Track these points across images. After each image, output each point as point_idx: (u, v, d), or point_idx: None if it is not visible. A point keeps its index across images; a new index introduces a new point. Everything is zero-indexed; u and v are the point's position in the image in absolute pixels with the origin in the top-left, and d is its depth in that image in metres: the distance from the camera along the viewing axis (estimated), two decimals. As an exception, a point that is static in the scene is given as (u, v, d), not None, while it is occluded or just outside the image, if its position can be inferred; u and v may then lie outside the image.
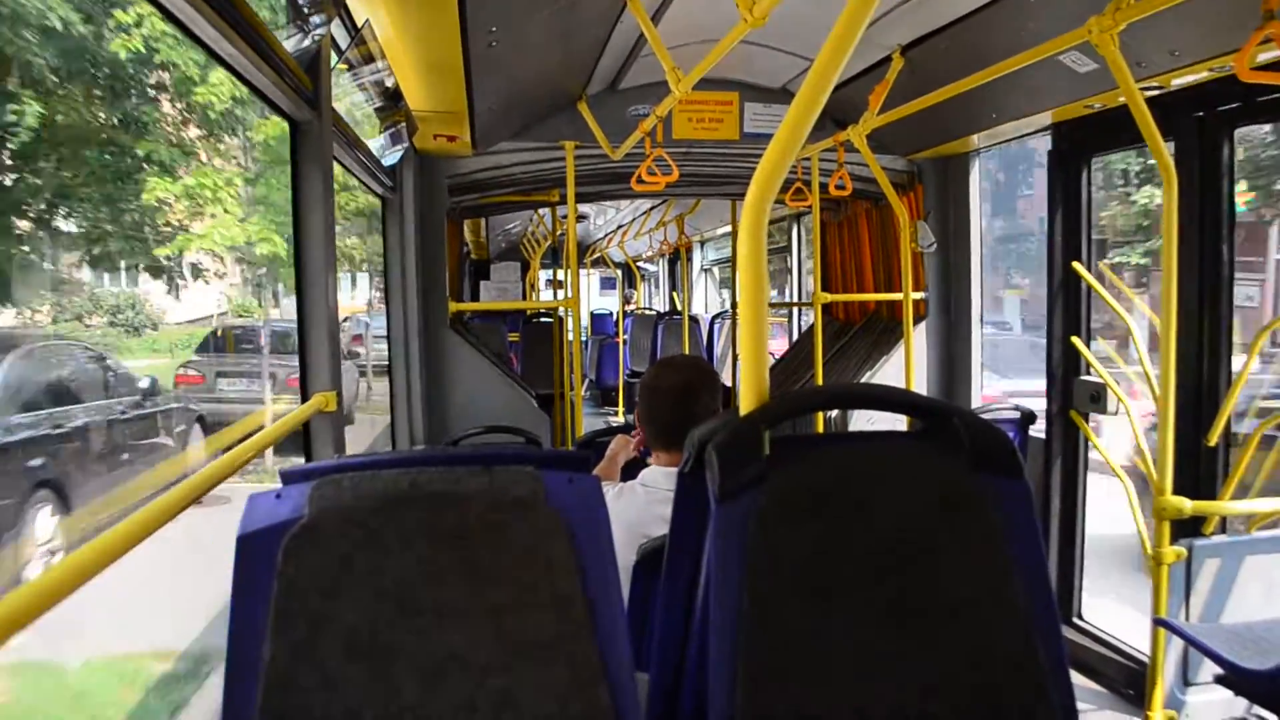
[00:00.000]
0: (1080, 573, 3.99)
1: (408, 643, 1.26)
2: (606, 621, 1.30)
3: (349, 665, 1.24)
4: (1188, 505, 2.78)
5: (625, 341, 10.99)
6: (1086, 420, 3.87)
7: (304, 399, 2.59)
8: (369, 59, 3.19)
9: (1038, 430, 3.99)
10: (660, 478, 2.32)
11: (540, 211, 8.15)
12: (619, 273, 14.41)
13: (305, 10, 2.48)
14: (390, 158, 3.83)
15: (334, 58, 2.85)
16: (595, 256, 14.82)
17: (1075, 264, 3.83)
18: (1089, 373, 3.86)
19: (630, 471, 2.86)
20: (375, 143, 3.71)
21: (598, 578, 1.32)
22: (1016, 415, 3.92)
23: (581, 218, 10.25)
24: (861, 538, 1.33)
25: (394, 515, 1.29)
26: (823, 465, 1.37)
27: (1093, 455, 3.95)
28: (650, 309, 14.33)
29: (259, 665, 1.22)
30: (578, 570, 1.31)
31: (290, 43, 2.41)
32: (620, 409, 10.54)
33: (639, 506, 2.27)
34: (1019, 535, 1.37)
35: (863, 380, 5.04)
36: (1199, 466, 3.26)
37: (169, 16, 1.76)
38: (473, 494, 1.31)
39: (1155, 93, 3.18)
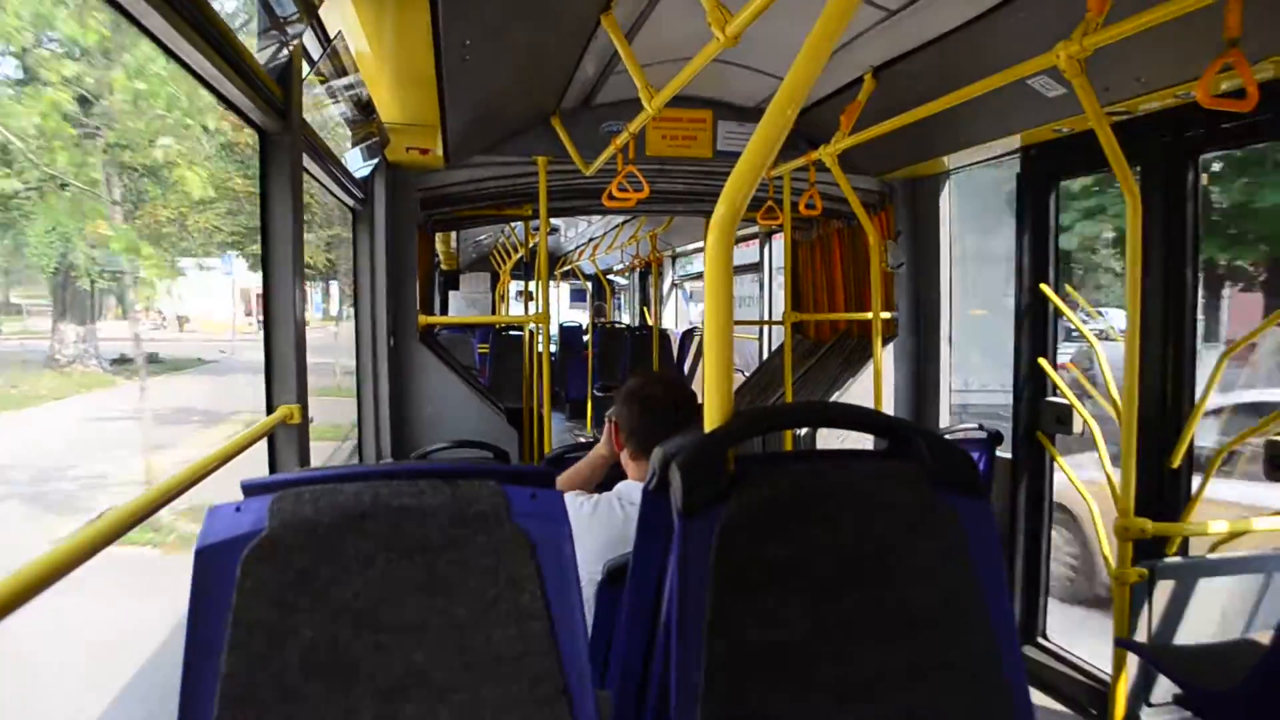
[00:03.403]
0: (1045, 592, 4.02)
1: (368, 658, 1.24)
2: (568, 637, 1.30)
3: (308, 681, 1.22)
4: (1149, 526, 2.82)
5: (594, 355, 10.97)
6: (1053, 441, 3.91)
7: (269, 410, 2.56)
8: (341, 70, 3.17)
9: (1005, 450, 4.03)
10: (636, 492, 2.30)
11: (512, 223, 8.14)
12: (589, 285, 14.41)
13: (277, 20, 2.46)
14: (362, 170, 3.80)
15: (305, 68, 2.82)
16: (566, 268, 14.80)
17: (1042, 285, 3.88)
18: (1055, 394, 3.89)
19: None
20: (347, 154, 3.68)
21: (560, 593, 1.31)
22: (984, 435, 3.96)
23: (553, 230, 10.24)
24: (825, 554, 1.34)
25: (355, 529, 1.27)
26: (787, 482, 1.37)
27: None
28: (620, 323, 14.33)
29: (216, 679, 1.21)
30: (540, 585, 1.30)
31: (261, 54, 2.39)
32: (588, 423, 10.50)
33: (618, 523, 2.26)
34: (980, 553, 1.39)
35: (832, 399, 5.06)
36: (1162, 488, 3.30)
37: (136, 24, 1.74)
38: (435, 508, 1.30)
39: (1122, 118, 3.23)
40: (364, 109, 3.52)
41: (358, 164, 3.73)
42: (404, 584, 1.27)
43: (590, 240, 11.74)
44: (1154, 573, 2.91)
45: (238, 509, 1.28)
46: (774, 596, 1.31)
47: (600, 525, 2.25)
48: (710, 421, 1.44)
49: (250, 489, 1.30)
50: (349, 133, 3.78)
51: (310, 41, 2.88)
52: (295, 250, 2.54)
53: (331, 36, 2.91)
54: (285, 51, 2.51)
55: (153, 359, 22.93)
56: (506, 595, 1.29)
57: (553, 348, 10.79)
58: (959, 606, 1.36)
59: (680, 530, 1.30)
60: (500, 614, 1.28)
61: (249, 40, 2.28)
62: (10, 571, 1.16)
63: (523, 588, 1.29)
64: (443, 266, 11.41)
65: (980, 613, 1.36)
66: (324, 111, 3.43)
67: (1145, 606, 2.88)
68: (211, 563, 1.25)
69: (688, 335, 11.24)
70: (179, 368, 21.97)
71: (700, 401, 2.52)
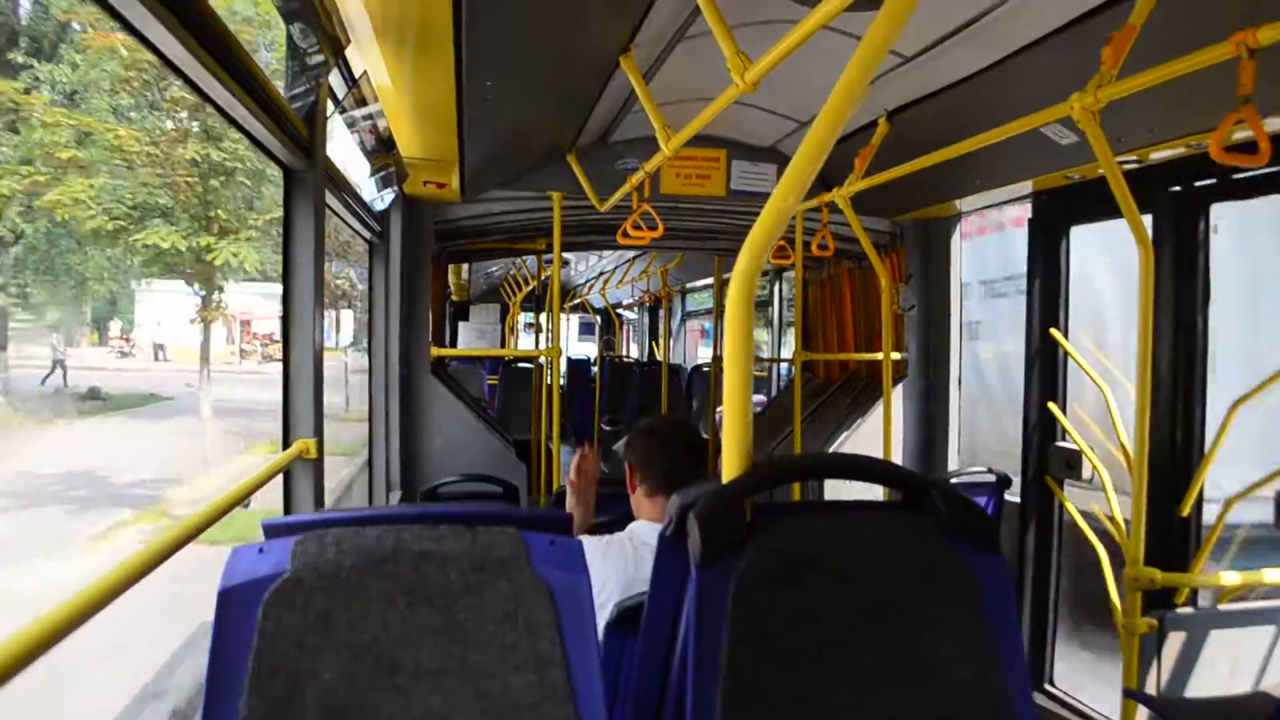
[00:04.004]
0: (1053, 639, 4.00)
1: (386, 702, 1.25)
2: (585, 685, 1.31)
3: None
4: (1159, 576, 2.81)
5: (603, 388, 10.98)
6: (1061, 486, 3.90)
7: (285, 445, 2.58)
8: (364, 108, 3.23)
9: (1014, 494, 4.02)
10: (648, 532, 2.32)
11: (523, 256, 8.20)
12: (598, 319, 14.44)
13: (304, 62, 2.51)
14: (381, 203, 3.85)
15: (330, 107, 2.87)
16: (575, 302, 14.85)
17: (1053, 330, 3.89)
18: (1065, 439, 3.90)
19: (603, 506, 2.88)
20: (365, 187, 3.73)
21: (578, 641, 1.32)
22: (992, 479, 3.96)
23: (564, 264, 10.29)
24: (840, 606, 1.35)
25: (376, 573, 1.29)
26: (803, 534, 1.39)
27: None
28: (628, 357, 14.33)
29: None
30: (558, 633, 1.31)
31: (288, 93, 2.44)
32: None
33: (630, 564, 2.27)
34: (993, 605, 1.40)
35: (841, 439, 5.06)
36: (1172, 537, 3.29)
37: (170, 66, 1.77)
38: (455, 554, 1.31)
39: (1133, 166, 3.26)
40: (384, 144, 3.57)
41: (375, 196, 3.78)
42: (423, 628, 1.28)
43: (600, 274, 11.79)
44: (1164, 623, 2.90)
45: (260, 550, 1.29)
46: (789, 646, 1.32)
47: (612, 567, 2.26)
48: (729, 470, 1.45)
49: (272, 530, 1.31)
50: (367, 165, 3.83)
51: (335, 80, 2.93)
52: (316, 284, 2.57)
53: (357, 76, 2.96)
54: (311, 92, 2.55)
55: (92, 395, 21.14)
56: (525, 642, 1.30)
57: (561, 380, 10.83)
58: (972, 657, 1.37)
59: (697, 580, 1.32)
60: (518, 660, 1.29)
61: (276, 80, 2.33)
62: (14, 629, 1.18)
63: (541, 635, 1.31)
64: (453, 298, 11.45)
65: (993, 663, 1.37)
66: (344, 146, 3.48)
67: (1155, 657, 2.87)
68: (234, 604, 1.26)
69: (696, 371, 11.24)
70: (121, 406, 20.11)
71: (705, 441, 2.54)
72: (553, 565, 1.34)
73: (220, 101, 1.98)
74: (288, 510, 2.62)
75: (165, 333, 27.05)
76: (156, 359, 29.27)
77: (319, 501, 2.62)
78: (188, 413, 18.33)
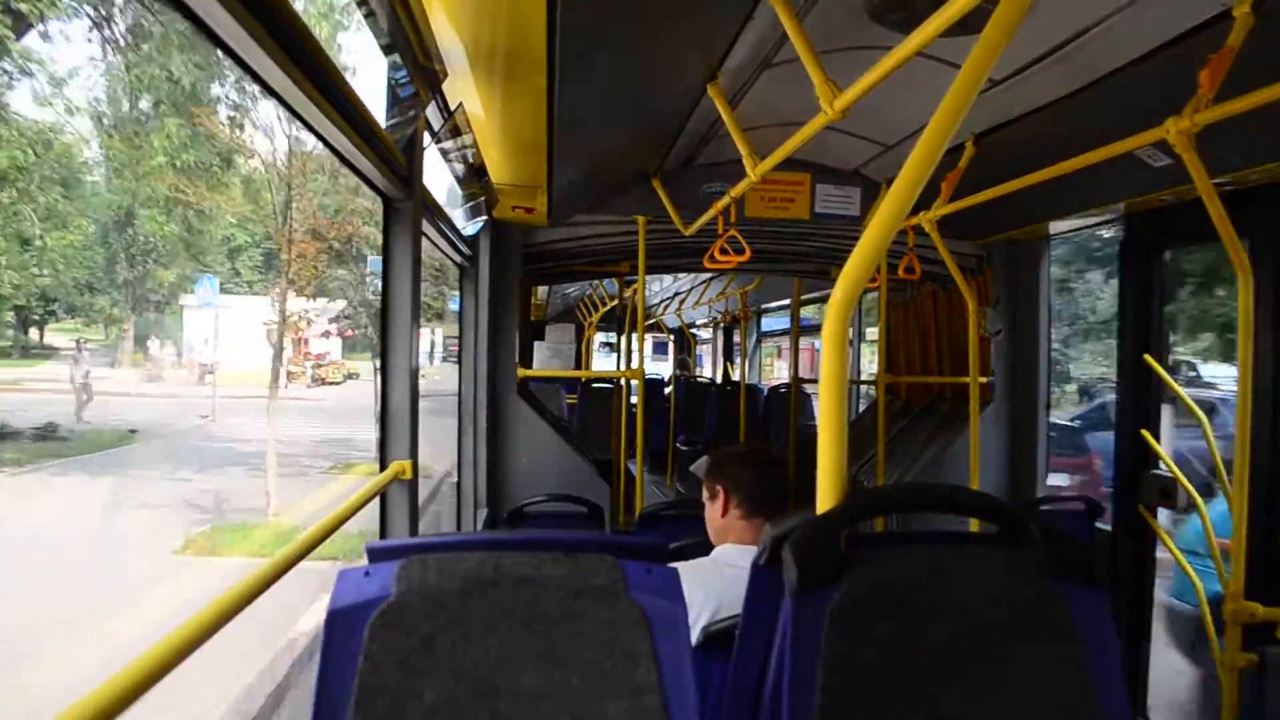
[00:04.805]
0: (1146, 675, 3.89)
1: None
2: (679, 713, 1.32)
3: None
4: (1259, 610, 2.72)
5: (677, 408, 10.98)
6: (1154, 515, 3.81)
7: (382, 467, 2.65)
8: (459, 137, 3.32)
9: (1105, 523, 3.93)
10: (737, 556, 2.33)
11: (604, 279, 8.28)
12: (672, 338, 14.45)
13: (403, 96, 2.60)
14: (470, 228, 3.94)
15: (426, 138, 2.96)
16: (650, 322, 14.91)
17: (1147, 356, 3.81)
18: (1159, 467, 3.80)
19: (680, 529, 2.89)
20: (456, 212, 3.83)
21: (673, 669, 1.34)
22: (1083, 508, 3.87)
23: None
24: (935, 640, 1.35)
25: (477, 598, 1.32)
26: (899, 565, 1.38)
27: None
28: (703, 377, 14.32)
29: None
30: (654, 660, 1.33)
31: (388, 126, 2.52)
32: (669, 475, 10.49)
33: (719, 589, 2.28)
34: (1094, 643, 1.38)
35: (925, 465, 5.00)
36: (1274, 569, 3.18)
37: (283, 104, 1.86)
38: (554, 580, 1.34)
39: (1230, 188, 3.18)
40: (476, 172, 3.66)
41: (466, 222, 3.87)
42: (523, 653, 1.31)
43: (676, 295, 11.82)
44: (1265, 659, 2.81)
45: (366, 574, 1.33)
46: (884, 679, 1.32)
47: (699, 591, 2.27)
48: (823, 499, 1.46)
49: (375, 554, 1.36)
50: (459, 190, 3.93)
51: (432, 113, 3.02)
52: (413, 310, 2.65)
53: (452, 108, 3.05)
54: (409, 125, 2.64)
55: (46, 433, 17.23)
56: (622, 669, 1.32)
57: (633, 399, 10.87)
58: (1069, 696, 1.35)
59: (791, 610, 1.32)
60: (615, 687, 1.31)
61: (378, 113, 2.42)
62: (139, 652, 1.23)
63: (638, 662, 1.32)
64: (531, 318, 11.60)
65: (1091, 703, 1.35)
66: (436, 176, 3.58)
67: (1256, 695, 2.77)
68: (341, 625, 1.30)
69: (773, 393, 11.19)
70: (93, 447, 16.94)
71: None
72: (649, 593, 1.36)
73: (325, 134, 2.06)
74: (384, 532, 2.69)
75: (213, 352, 25.14)
76: (202, 381, 27.16)
77: (414, 522, 2.69)
78: (165, 462, 15.55)
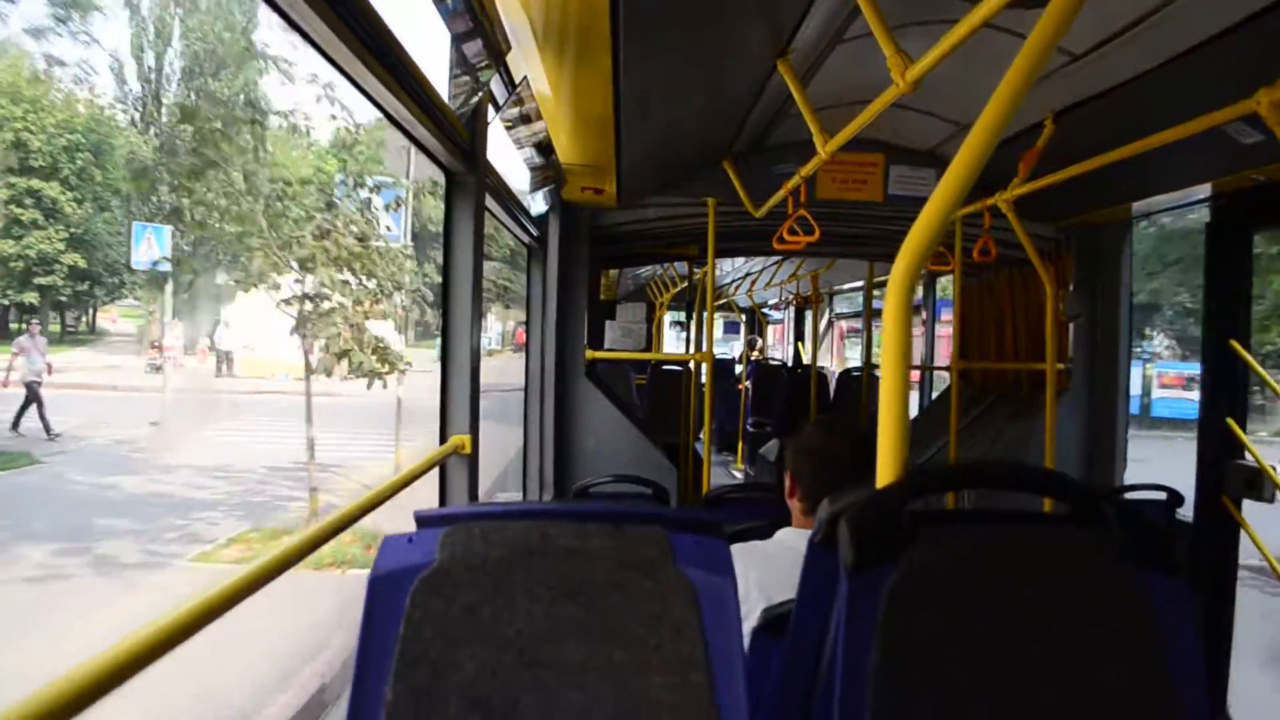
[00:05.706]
0: (1227, 674, 3.75)
1: (527, 696, 1.26)
2: (728, 690, 1.29)
3: (468, 713, 1.25)
4: None
5: (747, 390, 10.91)
6: (1239, 507, 3.66)
7: (442, 440, 2.67)
8: (524, 114, 3.31)
9: (1185, 513, 3.80)
10: (795, 539, 2.29)
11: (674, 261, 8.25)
12: (743, 318, 14.36)
13: (466, 67, 2.59)
14: (538, 208, 3.94)
15: (490, 113, 2.95)
16: (721, 302, 14.83)
17: (1233, 342, 3.65)
18: (1245, 457, 3.65)
19: (749, 511, 2.84)
20: (524, 192, 3.83)
21: (721, 643, 1.30)
22: (1163, 497, 3.75)
23: (713, 266, 10.27)
24: (1001, 624, 1.29)
25: (522, 567, 1.30)
26: (964, 545, 1.32)
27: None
28: (774, 359, 14.22)
29: (380, 706, 1.25)
30: (702, 635, 1.30)
31: (451, 98, 2.52)
32: (739, 458, 10.45)
33: (777, 571, 2.24)
34: (1172, 635, 1.30)
35: (997, 452, 4.89)
36: None
37: (342, 73, 1.86)
38: (601, 551, 1.32)
39: None
40: (543, 151, 3.65)
41: (535, 202, 3.87)
42: (567, 624, 1.29)
43: (747, 275, 11.74)
44: None
45: (410, 540, 1.33)
46: (944, 663, 1.26)
47: (756, 572, 2.23)
48: (883, 476, 1.43)
49: (423, 520, 1.35)
50: (526, 170, 3.93)
51: (496, 87, 3.02)
52: (475, 287, 2.66)
53: (517, 83, 3.03)
54: (474, 98, 2.64)
55: None
56: (668, 643, 1.29)
57: (702, 381, 10.87)
58: (1145, 687, 1.28)
59: (847, 588, 1.27)
60: (661, 661, 1.28)
61: (440, 85, 2.41)
62: (199, 592, 1.25)
63: (684, 636, 1.29)
64: (600, 298, 11.62)
65: (1169, 696, 1.28)
66: (504, 152, 3.58)
67: None
68: (383, 591, 1.30)
69: (845, 376, 11.07)
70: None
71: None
72: (697, 566, 1.33)
73: (385, 104, 2.07)
74: (443, 503, 2.71)
75: (237, 338, 23.31)
76: (219, 373, 25.61)
77: (473, 495, 2.71)
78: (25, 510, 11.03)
